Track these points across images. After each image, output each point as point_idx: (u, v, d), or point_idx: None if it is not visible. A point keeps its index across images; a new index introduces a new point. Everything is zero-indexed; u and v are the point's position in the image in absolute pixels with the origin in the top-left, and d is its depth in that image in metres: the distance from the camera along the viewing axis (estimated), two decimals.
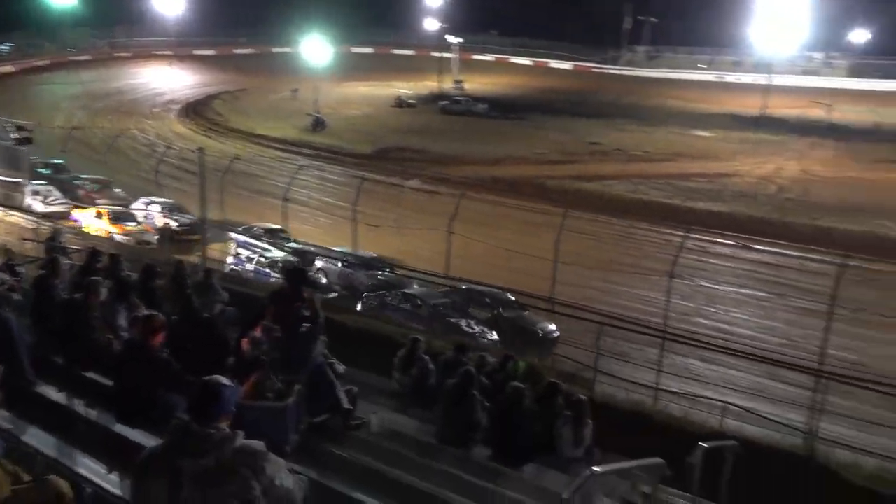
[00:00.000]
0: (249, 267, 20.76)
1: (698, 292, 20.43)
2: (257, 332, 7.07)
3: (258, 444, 3.28)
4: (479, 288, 19.02)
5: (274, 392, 6.42)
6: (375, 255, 21.83)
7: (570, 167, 39.45)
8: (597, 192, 33.58)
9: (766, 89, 55.62)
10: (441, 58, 69.29)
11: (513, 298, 18.80)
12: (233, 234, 22.53)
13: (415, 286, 19.60)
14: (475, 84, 68.70)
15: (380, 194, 25.38)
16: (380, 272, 20.79)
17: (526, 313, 18.56)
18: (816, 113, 53.09)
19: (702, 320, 19.27)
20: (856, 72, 71.07)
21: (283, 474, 3.30)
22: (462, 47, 71.55)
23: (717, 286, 21.69)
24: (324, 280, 20.57)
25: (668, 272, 16.06)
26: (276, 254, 21.33)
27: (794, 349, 16.20)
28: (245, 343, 6.99)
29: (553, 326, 18.00)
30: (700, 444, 7.47)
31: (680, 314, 17.45)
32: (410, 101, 61.26)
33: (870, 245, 25.22)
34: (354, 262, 20.97)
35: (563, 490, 5.65)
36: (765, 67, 61.98)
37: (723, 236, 26.06)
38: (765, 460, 9.43)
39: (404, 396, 9.44)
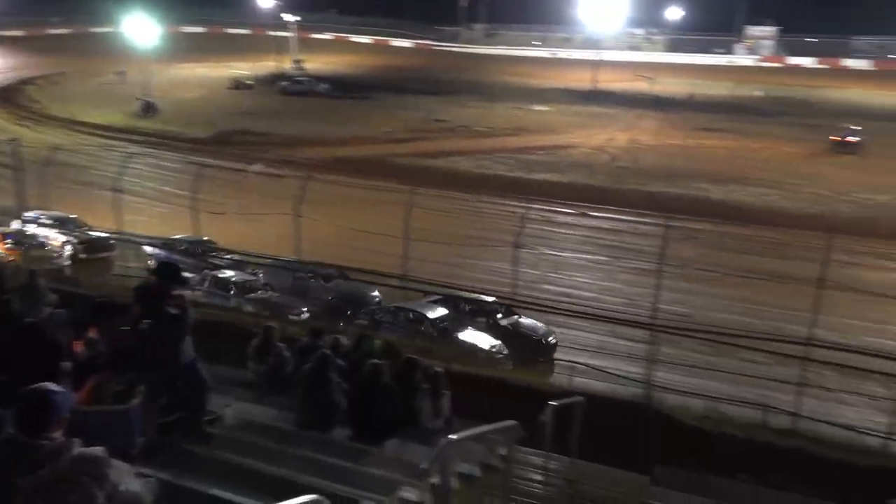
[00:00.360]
0: (201, 290, 17.74)
1: (544, 260, 21.38)
2: (92, 333, 6.61)
3: (98, 451, 3.13)
4: (462, 294, 17.92)
5: (115, 395, 6.04)
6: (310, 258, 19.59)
7: (416, 145, 39.86)
8: (443, 168, 34.24)
9: (596, 64, 58.73)
10: (278, 37, 67.24)
11: (498, 302, 17.78)
12: (149, 250, 20.18)
13: (376, 292, 18.40)
14: (316, 63, 67.35)
15: (221, 180, 24.35)
16: (332, 280, 19.01)
17: (520, 318, 17.61)
18: (641, 86, 56.93)
19: (548, 286, 20.20)
20: (672, 47, 76.94)
21: (128, 479, 3.17)
22: (300, 26, 69.79)
23: (560, 253, 22.86)
24: (271, 293, 18.52)
25: (514, 243, 16.72)
26: (229, 273, 18.83)
27: (632, 307, 17.45)
28: (78, 345, 6.52)
29: (548, 329, 17.15)
30: (550, 403, 7.91)
31: (528, 282, 18.25)
32: (248, 82, 59.13)
33: (690, 207, 27.59)
34: (302, 269, 19.01)
35: (423, 461, 5.78)
36: (593, 43, 65.40)
37: (563, 205, 27.47)
38: (609, 412, 10.10)
39: (260, 386, 9.21)
